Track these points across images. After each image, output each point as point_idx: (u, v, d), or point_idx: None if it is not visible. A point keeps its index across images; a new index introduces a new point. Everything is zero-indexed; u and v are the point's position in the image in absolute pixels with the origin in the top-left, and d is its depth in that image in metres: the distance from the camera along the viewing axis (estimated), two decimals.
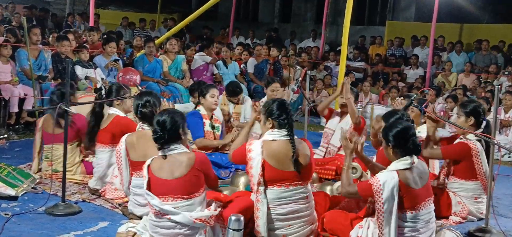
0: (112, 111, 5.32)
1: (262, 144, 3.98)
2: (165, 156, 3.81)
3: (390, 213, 3.71)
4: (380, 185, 3.71)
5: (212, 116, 6.21)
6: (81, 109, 5.61)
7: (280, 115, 3.99)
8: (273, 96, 6.67)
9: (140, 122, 4.74)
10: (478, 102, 5.20)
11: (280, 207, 3.96)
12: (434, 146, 5.05)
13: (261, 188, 3.93)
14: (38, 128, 5.73)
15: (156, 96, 4.88)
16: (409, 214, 3.78)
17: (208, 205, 3.90)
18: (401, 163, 3.80)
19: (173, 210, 3.69)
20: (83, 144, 5.65)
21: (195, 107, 6.48)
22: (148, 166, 3.86)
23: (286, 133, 3.97)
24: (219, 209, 3.89)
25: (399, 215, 3.76)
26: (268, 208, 3.94)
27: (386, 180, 3.72)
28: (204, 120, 6.11)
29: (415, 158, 3.85)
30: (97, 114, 5.39)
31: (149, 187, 3.81)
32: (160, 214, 3.72)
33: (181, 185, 3.73)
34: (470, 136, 4.97)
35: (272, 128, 4.04)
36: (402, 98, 6.08)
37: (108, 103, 5.36)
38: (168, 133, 3.80)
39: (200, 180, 3.82)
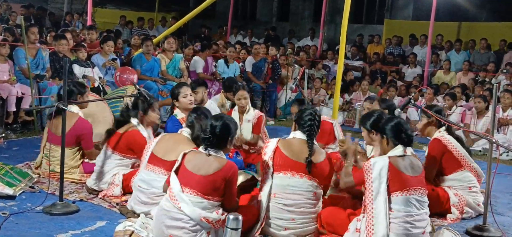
0: (134, 122, 5.19)
1: (279, 139, 4.26)
2: (209, 154, 3.89)
3: (378, 192, 3.85)
4: (370, 165, 3.92)
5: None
6: (83, 112, 5.60)
7: (305, 123, 4.20)
8: (240, 104, 6.51)
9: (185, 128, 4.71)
10: (439, 107, 5.54)
11: (285, 197, 4.07)
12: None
13: (269, 170, 4.12)
14: (47, 123, 5.72)
15: (207, 115, 4.74)
16: (400, 197, 3.85)
17: (218, 210, 3.91)
18: (393, 151, 4.02)
19: (187, 200, 3.76)
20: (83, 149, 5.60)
21: (171, 113, 6.14)
22: (185, 154, 3.97)
23: (306, 137, 4.18)
24: (226, 214, 3.89)
25: (391, 198, 3.86)
26: (274, 195, 4.08)
27: (376, 161, 3.94)
28: (182, 124, 5.59)
29: (408, 150, 4.07)
30: (120, 122, 5.28)
31: (177, 172, 3.92)
32: (174, 198, 3.78)
33: (201, 182, 3.81)
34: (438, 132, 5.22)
35: (294, 130, 4.30)
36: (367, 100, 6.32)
37: (133, 114, 5.23)
38: (216, 139, 3.91)
39: (219, 189, 3.84)
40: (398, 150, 4.00)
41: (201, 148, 3.96)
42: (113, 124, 5.41)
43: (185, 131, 4.63)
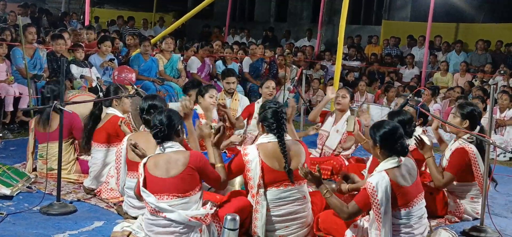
0: (110, 111, 5.32)
1: (257, 147, 4.03)
2: (163, 151, 3.82)
3: (386, 213, 3.72)
4: (373, 187, 3.71)
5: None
6: (75, 109, 5.60)
7: (272, 125, 4.03)
8: (268, 92, 6.76)
9: (143, 125, 4.68)
10: (475, 106, 5.18)
11: (278, 208, 4.00)
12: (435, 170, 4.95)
13: (261, 190, 3.96)
14: (31, 128, 5.73)
15: (162, 100, 4.80)
16: (402, 212, 3.80)
17: (204, 204, 3.88)
18: (389, 163, 3.81)
19: (169, 208, 3.69)
20: (77, 142, 5.65)
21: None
22: (144, 164, 3.86)
23: (277, 139, 4.00)
24: (215, 208, 3.90)
25: (393, 213, 3.78)
26: (267, 210, 3.97)
27: (378, 181, 3.72)
28: (200, 119, 5.99)
29: (401, 157, 3.87)
30: (95, 116, 5.37)
31: (145, 185, 3.81)
32: (156, 211, 3.72)
33: (176, 183, 3.73)
34: (464, 138, 5.00)
35: (263, 132, 4.12)
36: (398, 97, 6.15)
37: (106, 103, 5.34)
38: (165, 127, 3.82)
39: (195, 179, 3.79)
40: (393, 161, 3.79)
41: (158, 150, 3.87)
42: (88, 119, 5.42)
43: (146, 128, 4.58)
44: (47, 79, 8.31)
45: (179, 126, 3.93)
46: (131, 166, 4.47)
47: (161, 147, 3.85)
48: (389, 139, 3.80)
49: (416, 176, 3.93)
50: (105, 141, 5.21)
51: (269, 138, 4.04)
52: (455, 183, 5.04)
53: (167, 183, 3.74)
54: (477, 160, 4.92)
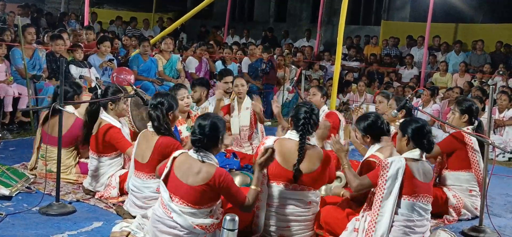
0: (103, 117, 5.14)
1: (275, 140, 4.13)
2: (194, 157, 3.74)
3: (390, 192, 3.85)
4: (388, 163, 3.90)
5: (188, 116, 5.91)
6: (79, 112, 5.60)
7: (299, 120, 4.06)
8: (237, 90, 6.65)
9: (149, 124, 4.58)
10: (472, 101, 5.40)
11: (279, 207, 4.02)
12: None
13: (265, 180, 4.03)
14: (40, 123, 5.70)
15: (173, 98, 4.69)
16: (406, 201, 3.88)
17: (212, 214, 3.84)
18: (411, 153, 4.01)
19: (177, 210, 3.70)
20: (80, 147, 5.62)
21: None
22: (174, 158, 3.83)
23: (299, 138, 4.03)
24: (221, 215, 3.87)
25: (398, 201, 3.87)
26: (269, 204, 4.03)
27: (394, 160, 3.92)
28: (178, 127, 5.61)
29: (423, 155, 4.06)
30: (91, 114, 5.31)
31: (166, 179, 3.80)
32: (166, 207, 3.72)
33: (189, 192, 3.70)
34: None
35: (291, 127, 4.17)
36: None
37: (102, 106, 5.23)
38: (207, 138, 3.74)
39: (209, 197, 3.73)
40: (416, 153, 4.00)
41: (191, 152, 3.79)
42: (85, 118, 5.37)
43: (149, 126, 4.52)
44: (46, 79, 8.32)
45: (221, 137, 3.80)
46: (136, 165, 4.50)
47: (196, 153, 3.77)
48: (420, 134, 4.00)
49: (430, 180, 4.04)
50: (94, 150, 5.11)
51: (291, 135, 4.11)
52: (450, 172, 5.16)
53: (182, 188, 3.72)
54: (474, 147, 5.04)
